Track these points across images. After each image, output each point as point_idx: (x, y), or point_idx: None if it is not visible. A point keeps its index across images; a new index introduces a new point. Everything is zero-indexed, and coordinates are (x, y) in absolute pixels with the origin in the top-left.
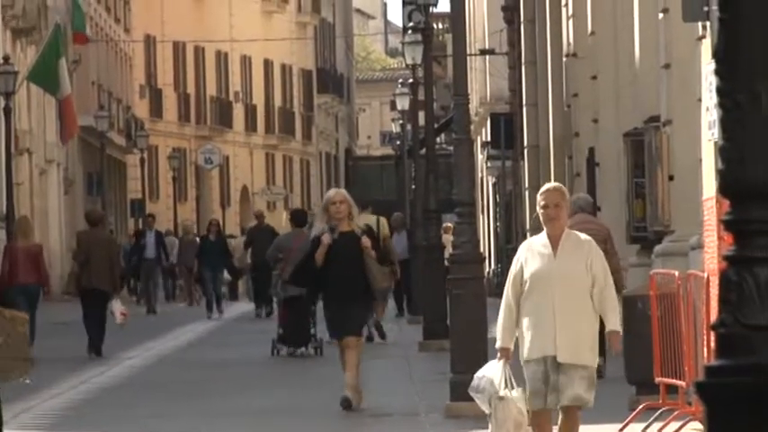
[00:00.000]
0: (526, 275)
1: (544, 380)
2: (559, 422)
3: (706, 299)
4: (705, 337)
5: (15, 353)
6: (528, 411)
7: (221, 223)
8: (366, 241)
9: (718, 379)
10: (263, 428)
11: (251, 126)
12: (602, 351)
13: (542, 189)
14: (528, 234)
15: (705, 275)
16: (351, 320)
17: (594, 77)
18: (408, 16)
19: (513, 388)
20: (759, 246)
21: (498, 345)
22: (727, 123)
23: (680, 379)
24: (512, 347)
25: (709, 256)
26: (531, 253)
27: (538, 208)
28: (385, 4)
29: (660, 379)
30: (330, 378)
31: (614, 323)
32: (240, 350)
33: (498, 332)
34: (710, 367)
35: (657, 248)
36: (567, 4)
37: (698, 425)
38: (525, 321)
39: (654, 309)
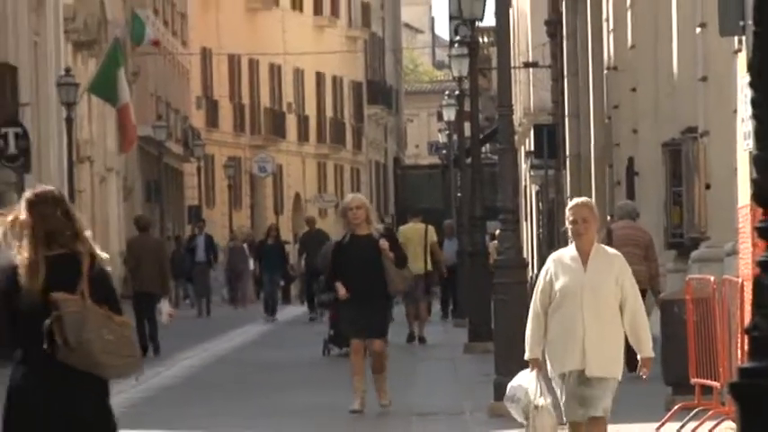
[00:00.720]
0: (556, 288)
1: (573, 392)
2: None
3: (740, 303)
4: (739, 340)
5: (129, 352)
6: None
7: (276, 230)
8: (384, 243)
9: (750, 380)
10: (314, 426)
11: (303, 136)
12: (628, 362)
13: (570, 204)
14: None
15: (740, 281)
16: (373, 322)
17: (634, 90)
18: (455, 30)
19: (547, 397)
20: None
21: (528, 356)
22: (760, 134)
23: (714, 380)
24: (541, 357)
25: (744, 263)
26: (561, 266)
27: (567, 223)
28: (432, 19)
29: (695, 380)
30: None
31: (648, 350)
32: (293, 351)
33: (527, 343)
34: (744, 369)
35: (694, 254)
36: (607, 19)
37: (731, 424)
38: (553, 334)
39: (690, 313)
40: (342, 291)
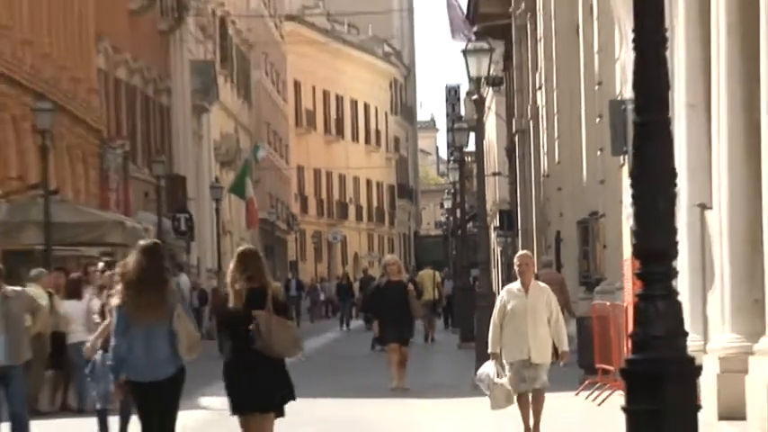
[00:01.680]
0: (508, 308)
1: (521, 373)
2: (531, 398)
3: (625, 318)
4: (625, 341)
5: (294, 343)
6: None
7: (348, 275)
8: (410, 286)
9: (632, 366)
10: (366, 396)
11: (359, 218)
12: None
13: (517, 255)
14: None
15: (624, 305)
16: (403, 334)
17: (560, 189)
18: (450, 153)
19: (503, 377)
20: (656, 288)
21: (490, 350)
22: (636, 216)
23: (610, 365)
24: (498, 352)
25: (627, 294)
26: (511, 294)
27: (515, 267)
28: (437, 147)
29: (599, 365)
30: (411, 364)
31: (565, 345)
32: (353, 347)
33: (490, 342)
34: (628, 359)
35: (596, 289)
36: (542, 145)
37: (620, 392)
38: (507, 337)
39: (595, 323)
40: (377, 329)
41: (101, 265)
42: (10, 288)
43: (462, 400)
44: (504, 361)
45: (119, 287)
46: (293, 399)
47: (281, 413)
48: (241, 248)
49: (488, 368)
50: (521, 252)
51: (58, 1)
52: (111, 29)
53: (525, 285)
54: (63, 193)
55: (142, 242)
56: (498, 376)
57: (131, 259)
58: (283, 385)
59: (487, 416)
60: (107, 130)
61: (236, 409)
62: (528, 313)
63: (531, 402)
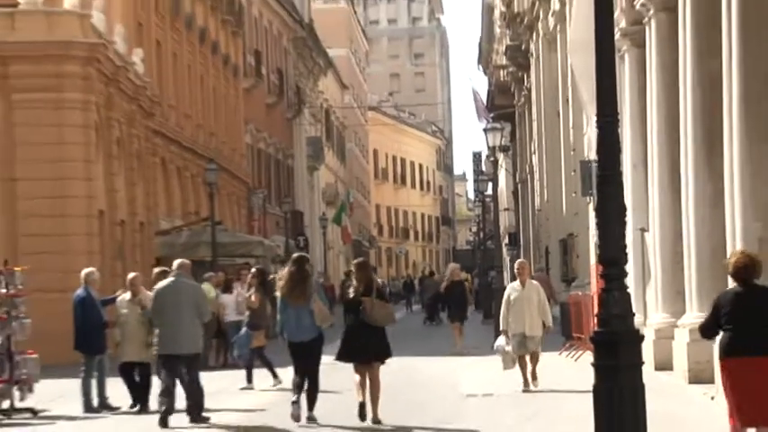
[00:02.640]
0: (511, 298)
1: (521, 342)
2: (529, 359)
3: (592, 304)
4: (592, 318)
5: (391, 318)
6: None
7: (410, 276)
8: (467, 284)
9: (598, 336)
10: (420, 357)
11: (416, 238)
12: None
13: (517, 262)
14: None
15: (592, 295)
16: (461, 316)
17: (547, 219)
18: (476, 196)
19: (508, 346)
20: (613, 284)
21: (501, 328)
22: (599, 236)
23: (583, 334)
24: (506, 328)
25: (593, 288)
26: (513, 289)
27: (516, 270)
28: (467, 192)
29: (575, 334)
30: (442, 335)
31: (549, 321)
32: (414, 323)
33: (501, 322)
34: (595, 331)
35: (573, 284)
36: (534, 189)
37: (590, 353)
38: (512, 318)
39: (571, 307)
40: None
41: (253, 270)
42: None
43: (485, 359)
44: (510, 334)
45: (280, 283)
46: (390, 355)
47: (383, 362)
48: (357, 260)
49: (501, 341)
50: (519, 260)
51: (221, 100)
52: (254, 116)
53: (522, 283)
54: (224, 223)
55: (294, 255)
56: (507, 345)
57: (287, 266)
58: (384, 345)
59: (501, 371)
60: (252, 182)
61: (350, 358)
62: (524, 301)
63: (528, 362)
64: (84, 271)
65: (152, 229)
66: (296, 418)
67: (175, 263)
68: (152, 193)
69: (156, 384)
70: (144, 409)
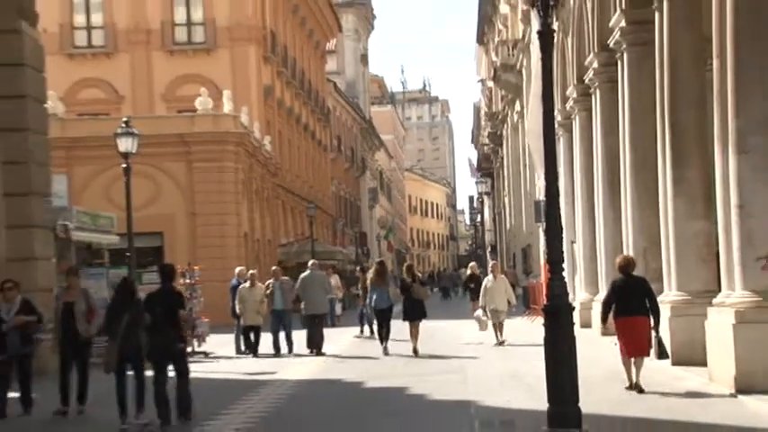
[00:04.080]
0: (488, 286)
1: (494, 313)
2: (498, 325)
3: (542, 288)
4: (543, 296)
5: (425, 295)
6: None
7: (433, 272)
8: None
9: (547, 307)
10: (444, 320)
11: (434, 248)
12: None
13: (490, 263)
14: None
15: (542, 283)
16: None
17: (515, 236)
18: (471, 222)
19: (485, 317)
20: (555, 277)
21: (480, 304)
22: (546, 246)
23: (538, 305)
24: (485, 305)
25: (543, 278)
26: (488, 280)
27: (489, 268)
28: (465, 219)
29: (532, 306)
30: (452, 307)
31: (513, 301)
32: (435, 300)
33: (480, 301)
34: (545, 304)
35: (530, 276)
36: (507, 218)
37: (542, 318)
38: (488, 298)
39: (530, 290)
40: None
41: (357, 268)
42: (285, 278)
43: (470, 322)
44: (487, 309)
45: (370, 275)
46: (426, 316)
47: (421, 320)
48: (407, 263)
49: (479, 312)
50: (492, 262)
51: (317, 166)
52: (337, 175)
53: (495, 276)
54: (318, 239)
55: (377, 259)
56: (483, 316)
57: (374, 266)
58: (422, 310)
59: (478, 331)
60: (335, 214)
61: (406, 318)
62: (495, 289)
63: (498, 326)
64: (237, 269)
65: (275, 243)
66: (385, 351)
67: (310, 262)
68: (275, 222)
69: (264, 339)
70: (256, 354)
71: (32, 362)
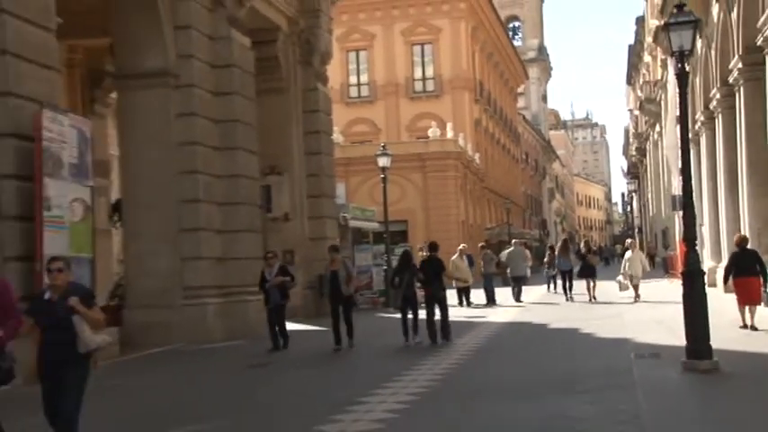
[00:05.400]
0: (626, 258)
1: (632, 279)
2: (635, 287)
3: (677, 259)
4: (681, 263)
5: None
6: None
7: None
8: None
9: (684, 272)
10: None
11: (594, 229)
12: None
13: (627, 241)
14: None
15: (677, 254)
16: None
17: (655, 221)
18: (623, 211)
19: (626, 279)
20: (690, 249)
21: (622, 271)
22: (684, 227)
23: (677, 271)
24: (624, 272)
25: (678, 251)
26: (627, 254)
27: (626, 244)
28: (618, 209)
29: (671, 270)
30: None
31: (647, 269)
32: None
33: (621, 268)
34: (683, 270)
35: (668, 249)
36: (649, 208)
37: (678, 281)
38: (627, 267)
39: (669, 259)
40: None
41: (548, 246)
42: (488, 251)
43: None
44: (627, 274)
45: (557, 249)
46: (596, 275)
47: (592, 278)
48: (585, 239)
49: (620, 277)
50: (629, 240)
51: (511, 174)
52: (525, 180)
53: (632, 250)
54: (513, 225)
55: (563, 237)
56: (624, 279)
57: (560, 242)
58: (593, 271)
59: (620, 292)
60: (524, 206)
61: (582, 277)
62: (633, 259)
63: (635, 288)
64: (460, 246)
65: (483, 227)
66: (570, 299)
67: (513, 240)
68: (482, 212)
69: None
70: (470, 305)
71: (285, 310)
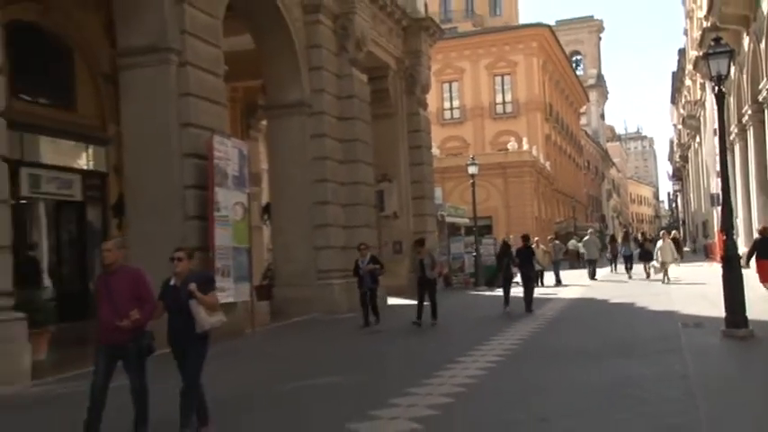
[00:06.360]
0: (660, 247)
1: (663, 264)
2: (665, 270)
3: (716, 246)
4: (719, 249)
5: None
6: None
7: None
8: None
9: (723, 256)
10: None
11: (645, 222)
12: None
13: (661, 232)
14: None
15: (715, 242)
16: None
17: (696, 215)
18: (669, 206)
19: (658, 263)
20: (727, 237)
21: (655, 257)
22: (721, 219)
23: (716, 256)
24: (656, 258)
25: (717, 239)
26: (660, 243)
27: (661, 234)
28: (664, 205)
29: (710, 255)
30: None
31: (676, 256)
32: None
33: (655, 255)
34: (722, 255)
35: (707, 238)
36: (691, 205)
37: (718, 264)
38: (659, 254)
39: (708, 246)
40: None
41: (609, 236)
42: (557, 242)
43: (672, 266)
44: (659, 261)
45: (619, 238)
46: (652, 259)
47: (649, 262)
48: (642, 230)
49: (654, 262)
50: (662, 231)
51: (573, 177)
52: (587, 183)
53: (664, 240)
54: (578, 219)
55: (623, 229)
56: (657, 263)
57: (622, 232)
58: (650, 256)
59: (654, 274)
60: (586, 204)
61: (641, 260)
62: (664, 248)
63: (665, 272)
64: (535, 238)
65: (553, 221)
66: (630, 277)
67: (589, 230)
68: (552, 209)
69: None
70: (542, 285)
71: (376, 292)
